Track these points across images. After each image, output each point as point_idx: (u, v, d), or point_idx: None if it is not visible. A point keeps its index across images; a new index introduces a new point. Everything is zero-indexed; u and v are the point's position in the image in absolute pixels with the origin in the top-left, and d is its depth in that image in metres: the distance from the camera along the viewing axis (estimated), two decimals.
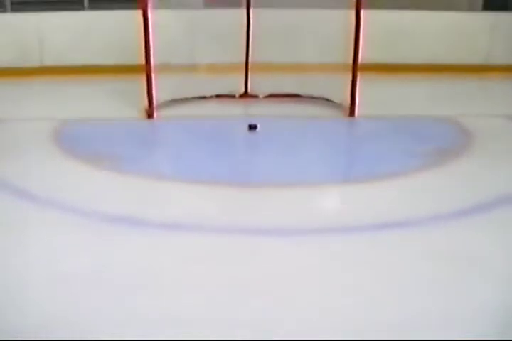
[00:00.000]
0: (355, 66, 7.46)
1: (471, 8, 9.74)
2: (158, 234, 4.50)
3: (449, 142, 6.53)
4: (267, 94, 8.05)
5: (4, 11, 9.51)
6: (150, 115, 7.33)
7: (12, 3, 9.92)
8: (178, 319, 3.49)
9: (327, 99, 7.80)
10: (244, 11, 8.05)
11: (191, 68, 8.41)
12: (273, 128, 6.95)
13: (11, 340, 3.23)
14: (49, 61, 9.17)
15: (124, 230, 4.55)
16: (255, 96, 8.07)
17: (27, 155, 6.08)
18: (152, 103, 7.34)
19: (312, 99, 7.91)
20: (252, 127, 6.88)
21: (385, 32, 9.14)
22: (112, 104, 7.73)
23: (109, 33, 9.07)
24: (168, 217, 4.77)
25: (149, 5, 7.12)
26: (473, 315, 3.55)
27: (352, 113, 7.46)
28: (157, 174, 5.73)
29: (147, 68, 7.25)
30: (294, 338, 3.37)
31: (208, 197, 5.18)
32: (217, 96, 7.97)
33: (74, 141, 6.51)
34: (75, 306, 3.60)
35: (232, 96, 8.05)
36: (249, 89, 8.17)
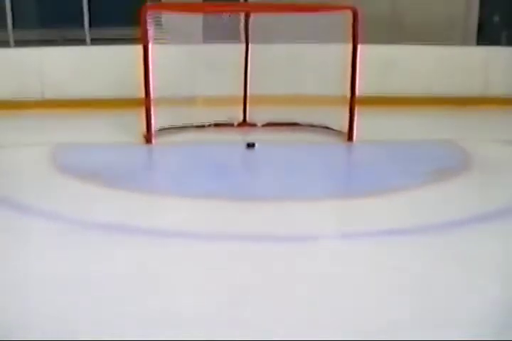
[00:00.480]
0: (352, 93, 7.56)
1: (465, 43, 9.95)
2: (156, 240, 4.51)
3: (448, 163, 6.58)
4: (265, 123, 8.13)
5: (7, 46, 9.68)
6: (148, 140, 7.37)
7: (15, 42, 10.14)
8: (178, 319, 3.43)
9: (326, 127, 7.86)
10: (243, 45, 8.22)
11: (191, 101, 8.51)
12: (272, 151, 6.99)
13: (10, 340, 3.17)
14: (50, 94, 9.29)
15: (125, 237, 4.57)
16: (253, 125, 8.15)
17: (26, 174, 6.15)
18: (150, 129, 7.39)
19: (311, 127, 7.97)
20: (250, 145, 6.92)
21: (382, 65, 9.33)
22: (111, 133, 7.77)
23: (110, 66, 9.23)
24: (165, 226, 4.78)
25: (150, 40, 7.25)
26: (477, 316, 3.49)
27: (350, 138, 7.52)
28: (153, 190, 5.77)
29: (146, 96, 7.33)
30: (295, 338, 3.30)
31: (204, 209, 5.19)
32: (216, 124, 8.04)
33: (71, 162, 6.57)
34: (75, 307, 3.54)
35: (231, 125, 8.12)
36: (247, 118, 8.27)
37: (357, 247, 4.39)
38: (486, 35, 10.26)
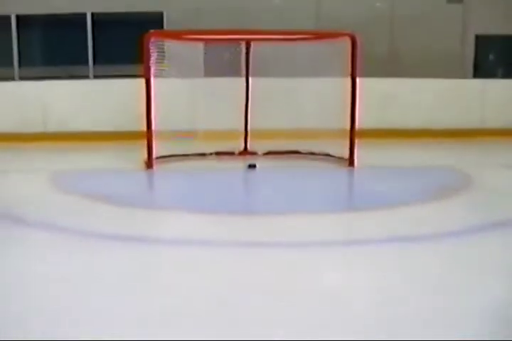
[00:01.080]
0: (353, 121, 7.61)
1: (462, 76, 10.14)
2: (161, 248, 4.53)
3: (449, 183, 6.63)
4: (266, 151, 8.17)
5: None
6: (149, 166, 7.39)
7: (21, 78, 10.35)
8: (177, 320, 3.34)
9: (327, 154, 7.90)
10: (244, 79, 8.35)
11: (192, 134, 8.57)
12: (274, 174, 7.07)
13: (10, 340, 3.11)
14: (52, 127, 9.38)
15: (128, 244, 4.55)
16: (254, 153, 8.20)
17: (29, 194, 6.21)
18: (151, 155, 7.41)
19: (312, 154, 8.03)
20: (252, 166, 6.94)
21: (382, 99, 9.46)
22: (111, 163, 7.83)
23: (112, 100, 9.35)
24: (168, 235, 4.81)
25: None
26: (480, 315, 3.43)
27: (351, 163, 7.54)
28: (155, 206, 5.79)
29: (148, 125, 7.35)
30: (296, 338, 3.21)
31: (206, 221, 5.19)
32: (217, 153, 8.07)
33: (73, 184, 6.62)
34: (75, 307, 3.46)
35: (231, 154, 8.17)
36: (248, 147, 8.34)
37: (360, 253, 4.35)
38: (482, 71, 10.49)
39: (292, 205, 5.67)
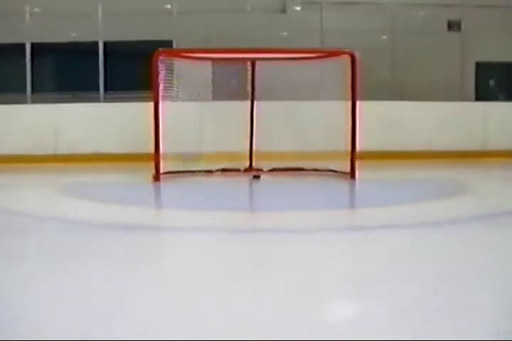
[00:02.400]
0: (353, 137, 7.80)
1: (464, 99, 10.37)
2: (173, 234, 4.77)
3: (448, 189, 6.82)
4: (271, 168, 8.35)
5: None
6: (156, 179, 7.57)
7: (33, 102, 10.65)
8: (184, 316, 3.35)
9: (330, 170, 8.07)
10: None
11: (197, 157, 8.75)
12: (278, 183, 7.33)
13: (11, 340, 3.15)
14: (62, 149, 9.63)
15: (133, 232, 4.71)
16: (260, 170, 8.37)
17: (41, 199, 6.50)
18: (159, 169, 7.60)
19: (315, 171, 8.20)
20: (256, 177, 7.16)
21: (385, 122, 9.68)
22: (120, 178, 8.06)
23: (122, 123, 9.60)
24: (170, 225, 5.07)
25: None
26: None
27: (353, 176, 7.73)
28: (161, 206, 5.99)
29: (156, 141, 7.57)
30: (300, 338, 3.17)
31: (209, 215, 5.41)
32: (223, 170, 8.25)
33: (81, 191, 6.90)
34: (74, 307, 3.37)
35: (237, 170, 8.35)
36: (253, 164, 8.52)
37: (357, 239, 4.52)
38: (483, 98, 10.73)
39: (293, 205, 5.85)
